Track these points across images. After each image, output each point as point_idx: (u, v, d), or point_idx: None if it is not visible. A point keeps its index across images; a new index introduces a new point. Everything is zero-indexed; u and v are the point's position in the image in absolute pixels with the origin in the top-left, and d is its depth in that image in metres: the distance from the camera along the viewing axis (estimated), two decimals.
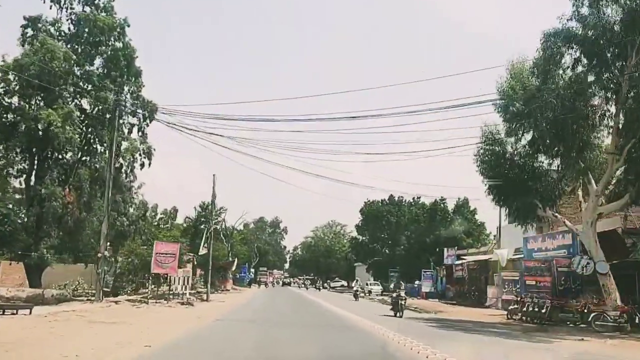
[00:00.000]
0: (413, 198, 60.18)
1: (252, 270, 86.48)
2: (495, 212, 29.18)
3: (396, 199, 60.30)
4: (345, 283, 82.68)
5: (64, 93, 23.61)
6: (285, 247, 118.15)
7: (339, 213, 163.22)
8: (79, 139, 24.03)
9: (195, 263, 48.26)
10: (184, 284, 26.02)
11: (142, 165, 27.63)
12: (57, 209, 23.46)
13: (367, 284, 52.07)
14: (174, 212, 67.25)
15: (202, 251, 26.87)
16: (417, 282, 53.41)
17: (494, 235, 48.98)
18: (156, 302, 21.12)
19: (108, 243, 20.84)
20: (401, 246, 54.05)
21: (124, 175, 27.15)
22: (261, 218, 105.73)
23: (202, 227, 64.03)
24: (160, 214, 65.39)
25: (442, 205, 46.30)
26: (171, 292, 24.72)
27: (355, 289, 36.36)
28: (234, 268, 52.49)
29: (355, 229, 64.71)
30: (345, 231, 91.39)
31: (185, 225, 62.09)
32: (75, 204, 24.41)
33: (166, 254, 22.01)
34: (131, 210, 28.16)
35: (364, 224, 62.67)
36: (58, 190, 23.68)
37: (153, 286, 22.68)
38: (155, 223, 60.69)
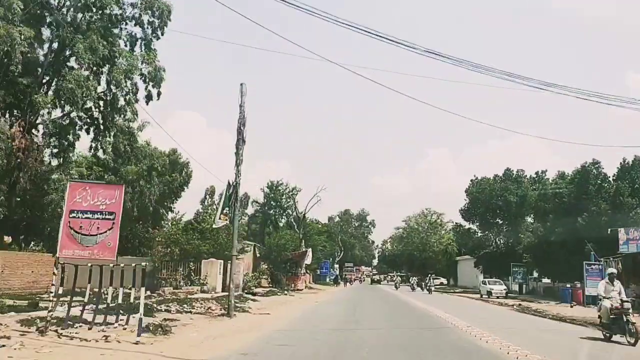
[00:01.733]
0: (537, 172, 46.53)
1: (336, 266, 77.17)
2: None
3: (514, 172, 46.88)
4: (444, 280, 70.19)
5: None
6: (373, 241, 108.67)
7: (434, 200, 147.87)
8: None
9: (259, 254, 38.96)
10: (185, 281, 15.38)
11: (149, 97, 18.12)
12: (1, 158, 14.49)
13: (483, 283, 39.62)
14: (245, 199, 59.29)
15: (219, 223, 15.33)
16: (544, 279, 40.57)
17: None
18: (99, 327, 9.85)
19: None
20: (527, 232, 40.54)
21: (120, 113, 17.71)
22: (346, 211, 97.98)
23: (271, 212, 55.20)
24: None
25: (594, 170, 32.23)
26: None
27: (616, 299, 12.19)
28: (308, 261, 42.21)
29: (459, 215, 51.58)
30: (443, 220, 78.40)
31: (254, 212, 53.38)
32: (35, 151, 15.27)
33: (92, 212, 9.73)
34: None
35: (470, 208, 49.61)
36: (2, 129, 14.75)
37: (55, 283, 11.54)
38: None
